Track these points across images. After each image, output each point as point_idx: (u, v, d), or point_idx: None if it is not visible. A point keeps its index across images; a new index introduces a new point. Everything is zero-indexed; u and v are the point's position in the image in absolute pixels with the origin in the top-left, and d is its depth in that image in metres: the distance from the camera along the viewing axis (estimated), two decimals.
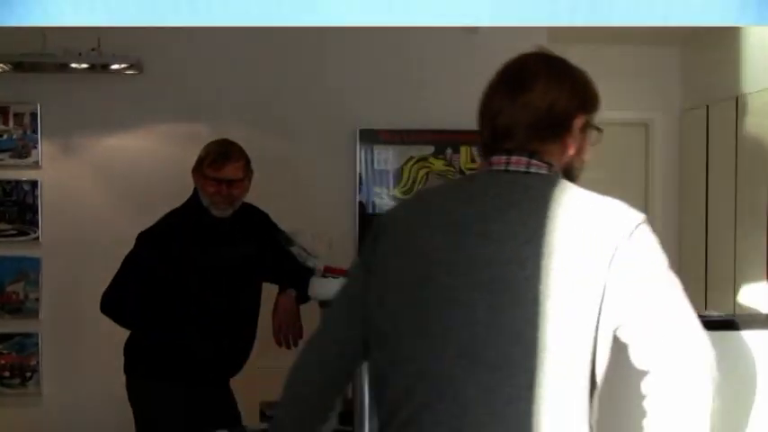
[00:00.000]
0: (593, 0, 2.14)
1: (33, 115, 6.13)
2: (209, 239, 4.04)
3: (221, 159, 4.04)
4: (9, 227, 6.13)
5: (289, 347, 4.12)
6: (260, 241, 4.18)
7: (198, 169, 4.08)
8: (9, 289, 6.14)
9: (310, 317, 3.91)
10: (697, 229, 7.33)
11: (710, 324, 2.15)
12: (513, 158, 2.12)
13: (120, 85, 6.15)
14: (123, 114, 6.21)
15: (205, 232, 4.05)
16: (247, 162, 4.13)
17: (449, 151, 6.38)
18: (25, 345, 6.14)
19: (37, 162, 6.14)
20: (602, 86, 7.65)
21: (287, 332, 4.09)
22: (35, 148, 6.13)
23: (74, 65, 5.84)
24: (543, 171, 2.14)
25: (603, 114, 7.58)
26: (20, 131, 6.12)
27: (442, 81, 6.40)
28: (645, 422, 2.00)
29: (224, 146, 4.12)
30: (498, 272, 1.98)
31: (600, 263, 1.96)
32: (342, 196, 6.33)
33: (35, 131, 6.13)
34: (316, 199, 6.20)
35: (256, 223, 4.28)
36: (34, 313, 6.15)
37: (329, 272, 3.49)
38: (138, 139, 6.23)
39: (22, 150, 6.12)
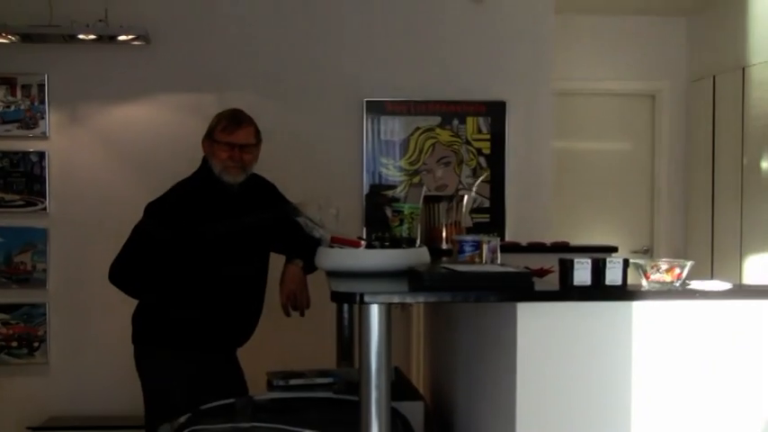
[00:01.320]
0: None
1: (41, 86, 6.14)
2: (219, 209, 4.05)
3: (233, 124, 4.08)
4: (17, 198, 6.15)
5: (301, 314, 4.14)
6: (269, 211, 4.18)
7: (209, 137, 4.10)
8: (17, 259, 6.17)
9: (317, 287, 3.93)
10: (704, 198, 7.33)
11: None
12: None
13: (128, 56, 6.16)
14: (131, 85, 6.22)
15: (215, 202, 4.06)
16: (257, 129, 4.17)
17: (455, 122, 6.38)
18: (33, 315, 6.17)
19: (44, 133, 6.16)
20: (610, 57, 7.71)
21: (295, 302, 4.11)
22: (42, 119, 6.15)
23: (81, 36, 5.84)
24: None
25: (611, 85, 7.66)
26: (27, 102, 6.13)
27: (448, 51, 6.40)
28: None
29: (235, 112, 4.16)
30: None
31: None
32: (348, 167, 6.33)
33: (42, 102, 6.14)
34: (323, 170, 6.21)
35: (264, 194, 4.29)
36: (42, 284, 6.18)
37: (336, 242, 3.50)
38: (145, 110, 6.24)
39: (29, 121, 6.14)
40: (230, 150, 4.06)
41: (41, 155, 6.16)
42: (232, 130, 4.07)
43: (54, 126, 6.18)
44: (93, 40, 5.88)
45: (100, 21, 5.80)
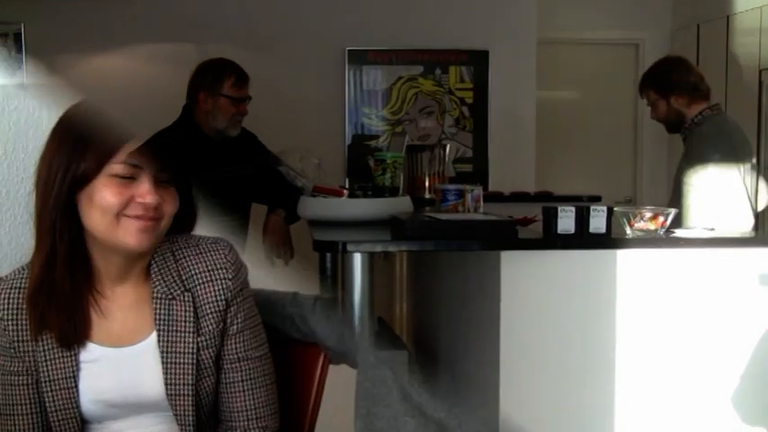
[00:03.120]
0: None
1: (17, 36, 6.06)
2: (202, 160, 4.01)
3: (242, 79, 4.05)
4: None
5: (285, 263, 4.12)
6: (250, 161, 4.16)
7: (213, 92, 4.01)
8: None
9: (300, 236, 3.91)
10: None
11: None
12: None
13: (107, 5, 6.08)
14: (109, 34, 6.15)
15: (198, 153, 4.02)
16: None
17: (438, 71, 6.34)
18: None
19: (22, 83, 6.09)
20: (593, 6, 7.61)
21: (278, 251, 4.09)
22: (20, 68, 6.08)
23: None
24: None
25: (594, 34, 7.55)
26: (4, 52, 6.06)
27: (431, 0, 6.35)
28: None
29: (235, 65, 4.09)
30: None
31: None
32: (331, 117, 6.30)
33: (19, 52, 6.07)
34: (305, 120, 6.17)
35: (246, 144, 4.25)
36: None
37: (318, 191, 3.48)
38: (124, 61, 6.17)
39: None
40: (239, 105, 4.03)
41: None
42: (242, 85, 4.04)
43: (31, 76, 6.11)
44: None
45: None
